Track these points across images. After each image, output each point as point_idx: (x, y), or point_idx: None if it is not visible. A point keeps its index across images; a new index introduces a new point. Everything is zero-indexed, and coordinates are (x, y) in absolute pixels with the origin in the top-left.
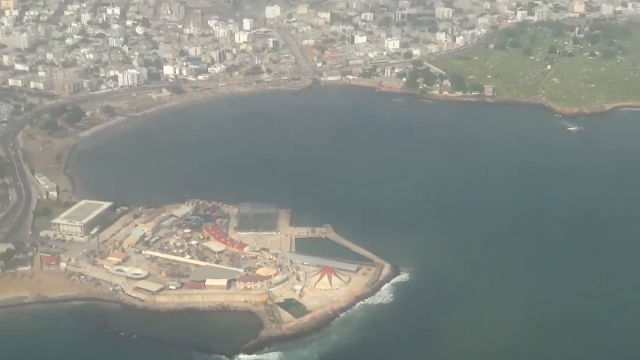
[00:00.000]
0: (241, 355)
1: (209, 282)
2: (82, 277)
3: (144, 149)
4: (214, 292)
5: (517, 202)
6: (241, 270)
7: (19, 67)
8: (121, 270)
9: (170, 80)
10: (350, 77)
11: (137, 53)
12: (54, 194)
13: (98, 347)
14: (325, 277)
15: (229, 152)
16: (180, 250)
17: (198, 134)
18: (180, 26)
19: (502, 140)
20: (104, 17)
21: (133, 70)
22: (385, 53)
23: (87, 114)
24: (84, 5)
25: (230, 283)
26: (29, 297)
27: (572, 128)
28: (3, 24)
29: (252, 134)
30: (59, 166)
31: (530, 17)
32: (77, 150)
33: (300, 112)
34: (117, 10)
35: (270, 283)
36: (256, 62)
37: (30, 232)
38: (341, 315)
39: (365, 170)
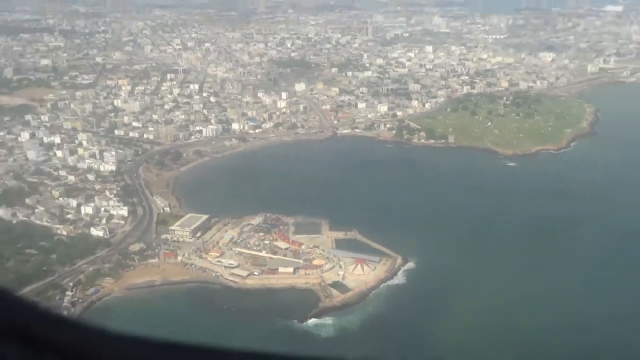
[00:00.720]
0: (309, 320)
1: (280, 269)
2: (193, 266)
3: (225, 178)
4: (285, 277)
5: (486, 210)
6: (301, 262)
7: (135, 124)
8: (220, 262)
9: (237, 133)
10: (357, 130)
11: (213, 114)
12: (167, 209)
13: (209, 316)
14: (359, 266)
15: (282, 179)
16: (258, 248)
17: (260, 167)
18: (240, 96)
19: (465, 170)
20: (189, 91)
21: (212, 126)
22: (378, 114)
23: (184, 155)
24: (174, 82)
25: (295, 270)
26: (158, 281)
27: (511, 164)
28: (121, 95)
29: (296, 166)
30: (168, 190)
31: (473, 90)
32: (180, 180)
33: (326, 153)
34: (196, 86)
35: (322, 270)
36: (293, 121)
37: (154, 236)
38: (372, 292)
39: (376, 190)
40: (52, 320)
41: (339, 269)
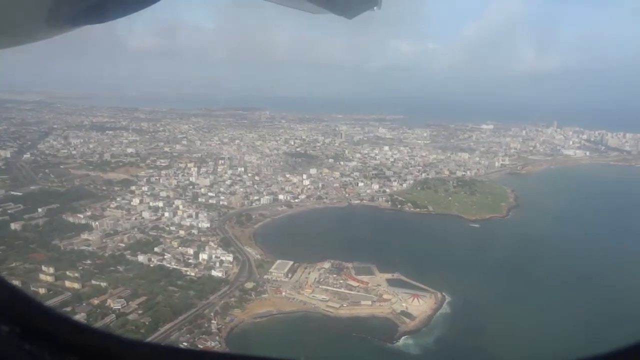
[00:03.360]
0: (395, 342)
1: (362, 302)
2: (294, 300)
3: (287, 233)
4: (366, 308)
5: (473, 253)
6: (374, 296)
7: (210, 194)
8: (314, 296)
9: (282, 201)
10: (364, 201)
11: (262, 188)
12: (258, 257)
13: (321, 337)
14: (415, 299)
15: (327, 233)
16: (337, 285)
17: (308, 225)
18: (274, 176)
19: (448, 227)
20: (238, 171)
21: (266, 196)
22: (374, 190)
23: (253, 216)
24: (225, 166)
25: (372, 303)
26: (274, 311)
27: (475, 225)
28: (192, 173)
29: (333, 224)
30: (252, 242)
31: (428, 176)
32: (257, 234)
33: (350, 215)
34: (242, 169)
35: (391, 303)
36: (318, 194)
37: (258, 276)
38: (432, 319)
39: (397, 243)
40: (71, 324)
41: (402, 302)
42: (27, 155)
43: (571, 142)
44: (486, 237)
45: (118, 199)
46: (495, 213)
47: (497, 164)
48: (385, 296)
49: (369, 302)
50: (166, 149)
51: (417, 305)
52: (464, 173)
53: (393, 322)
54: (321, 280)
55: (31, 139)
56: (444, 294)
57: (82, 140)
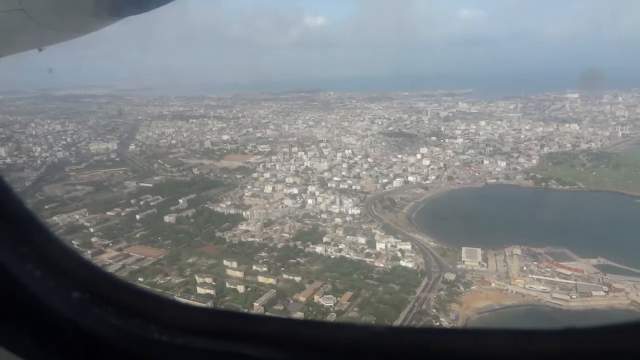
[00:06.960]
0: None
1: (594, 293)
2: (508, 291)
3: (443, 217)
4: (599, 299)
5: None
6: (601, 285)
7: (335, 179)
8: (531, 287)
9: (414, 184)
10: (500, 180)
11: (385, 170)
12: (433, 244)
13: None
14: None
15: (486, 215)
16: (547, 275)
17: (461, 207)
18: (384, 158)
19: (616, 202)
20: (347, 153)
21: (397, 180)
22: (503, 168)
23: (396, 201)
24: (329, 149)
25: (605, 293)
26: (495, 305)
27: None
28: (303, 158)
29: (480, 207)
30: (413, 228)
31: (551, 150)
32: (411, 219)
33: (493, 196)
34: (348, 151)
35: (626, 292)
36: (445, 174)
37: (450, 266)
38: None
39: (564, 223)
40: (133, 290)
41: (638, 291)
42: (132, 147)
43: None
44: None
45: (248, 187)
46: None
47: (619, 133)
48: (616, 285)
49: (602, 293)
50: (258, 135)
51: None
52: (588, 145)
53: None
54: (524, 268)
55: (125, 131)
56: None
57: (173, 130)
